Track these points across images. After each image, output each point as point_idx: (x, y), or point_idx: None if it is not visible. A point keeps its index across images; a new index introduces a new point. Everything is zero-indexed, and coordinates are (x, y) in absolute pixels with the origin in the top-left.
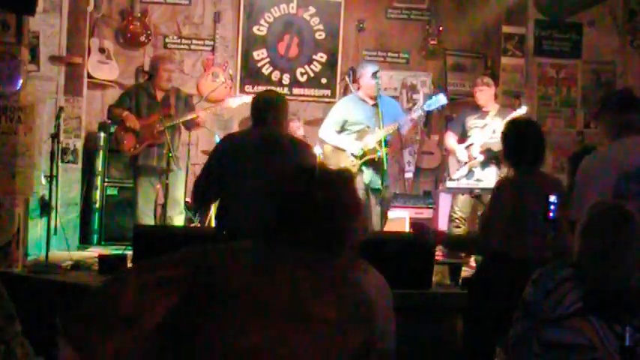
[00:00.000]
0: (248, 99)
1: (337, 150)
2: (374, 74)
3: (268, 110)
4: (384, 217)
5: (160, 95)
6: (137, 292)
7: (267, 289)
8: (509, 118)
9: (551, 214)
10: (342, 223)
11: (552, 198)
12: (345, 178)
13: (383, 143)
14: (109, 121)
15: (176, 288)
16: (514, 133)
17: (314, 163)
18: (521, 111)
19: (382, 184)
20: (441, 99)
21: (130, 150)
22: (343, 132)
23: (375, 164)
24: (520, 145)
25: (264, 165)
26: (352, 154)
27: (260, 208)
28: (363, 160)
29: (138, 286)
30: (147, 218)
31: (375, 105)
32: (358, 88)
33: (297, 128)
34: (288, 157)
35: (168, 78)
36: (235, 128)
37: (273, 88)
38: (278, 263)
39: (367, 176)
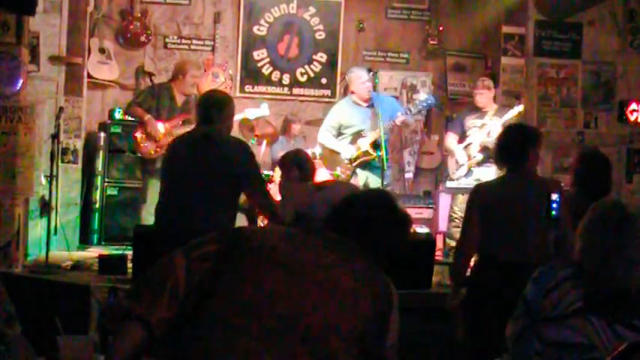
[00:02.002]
0: (266, 111)
1: (334, 153)
2: (374, 74)
3: (212, 109)
4: None
5: (180, 100)
6: (185, 269)
7: (294, 252)
8: (506, 117)
9: (553, 213)
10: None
11: (554, 196)
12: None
13: (383, 144)
14: (125, 114)
15: (215, 258)
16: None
17: (252, 163)
18: (518, 109)
19: (382, 184)
20: (428, 98)
21: (148, 153)
22: (340, 135)
23: (370, 166)
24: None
25: (196, 163)
26: (346, 158)
27: (192, 206)
28: (356, 164)
29: (186, 263)
30: (151, 219)
31: (370, 106)
32: (352, 93)
33: (297, 131)
34: (222, 156)
35: (194, 84)
36: (235, 127)
37: (273, 88)
38: (308, 237)
39: (362, 178)
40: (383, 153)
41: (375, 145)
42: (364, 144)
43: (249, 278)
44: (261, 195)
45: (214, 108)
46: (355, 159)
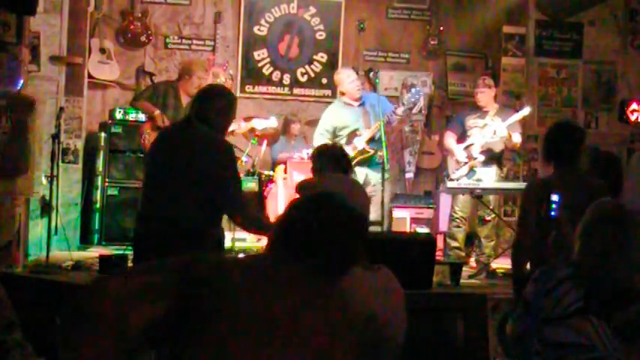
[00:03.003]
0: (274, 123)
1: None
2: (374, 73)
3: (197, 103)
4: (389, 215)
5: (185, 100)
6: (119, 296)
7: (258, 307)
8: (512, 119)
9: (552, 213)
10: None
11: (554, 197)
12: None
13: (383, 138)
14: (136, 105)
15: (161, 296)
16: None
17: (225, 164)
18: (525, 112)
19: (382, 179)
20: (414, 94)
21: None
22: (336, 137)
23: (368, 163)
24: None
25: (170, 158)
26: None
27: (167, 200)
28: (354, 163)
29: (121, 290)
30: None
31: (362, 105)
32: (342, 94)
33: (297, 131)
34: (197, 153)
35: (200, 85)
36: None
37: (273, 88)
38: (269, 278)
39: (361, 176)
40: (384, 150)
41: (372, 142)
42: (360, 142)
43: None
44: (230, 204)
45: (200, 100)
46: (353, 158)
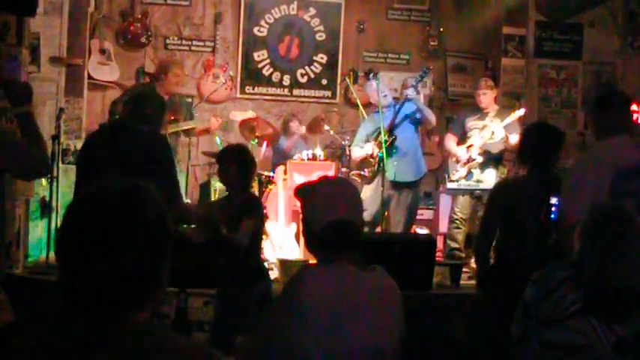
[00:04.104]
0: (251, 113)
1: (362, 159)
2: (374, 75)
3: (128, 103)
4: (411, 217)
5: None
6: None
7: None
8: (507, 120)
9: (552, 216)
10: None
11: (553, 200)
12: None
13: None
14: (115, 109)
15: None
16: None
17: (160, 154)
18: (520, 113)
19: (382, 179)
20: (423, 71)
21: None
22: (368, 142)
23: (397, 158)
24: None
25: (107, 154)
26: (370, 155)
27: None
28: (378, 155)
29: None
30: None
31: (390, 109)
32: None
33: (296, 129)
34: (132, 149)
35: (177, 83)
36: (236, 130)
37: (273, 89)
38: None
39: (390, 172)
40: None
41: (394, 129)
42: (381, 136)
43: None
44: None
45: (132, 102)
46: (377, 152)
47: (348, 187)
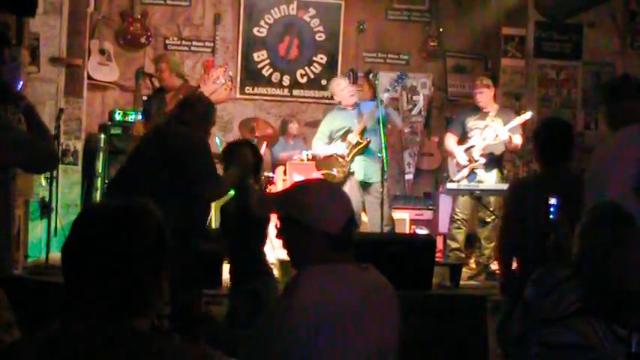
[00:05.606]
0: (222, 81)
1: (328, 157)
2: (374, 75)
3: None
4: (387, 216)
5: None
6: None
7: None
8: (513, 122)
9: (551, 216)
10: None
11: (552, 200)
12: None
13: (382, 130)
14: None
15: None
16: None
17: (196, 154)
18: (527, 116)
19: (382, 179)
20: (399, 76)
21: None
22: (333, 141)
23: (365, 157)
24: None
25: (141, 151)
26: (340, 155)
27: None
28: (349, 158)
29: None
30: None
31: (357, 109)
32: (339, 103)
33: (296, 129)
34: (161, 147)
35: (166, 78)
36: (235, 129)
37: (273, 89)
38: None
39: (359, 173)
40: (384, 151)
41: (365, 132)
42: (353, 137)
43: None
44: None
45: (177, 106)
46: (348, 154)
47: (332, 183)
